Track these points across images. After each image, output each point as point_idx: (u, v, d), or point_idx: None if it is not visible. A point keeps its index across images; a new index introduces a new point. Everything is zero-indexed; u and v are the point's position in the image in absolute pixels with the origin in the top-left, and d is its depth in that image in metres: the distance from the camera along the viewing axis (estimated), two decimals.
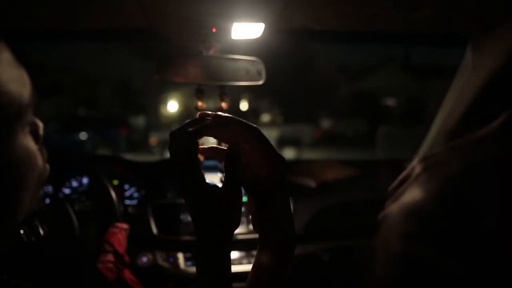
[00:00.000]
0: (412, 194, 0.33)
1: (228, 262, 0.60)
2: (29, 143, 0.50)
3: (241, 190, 0.59)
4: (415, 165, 0.37)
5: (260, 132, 0.59)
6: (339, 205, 1.78)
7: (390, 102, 19.32)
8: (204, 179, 0.56)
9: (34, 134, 0.52)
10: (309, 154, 13.04)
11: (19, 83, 0.46)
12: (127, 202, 1.79)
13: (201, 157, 0.60)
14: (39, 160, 0.52)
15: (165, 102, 18.26)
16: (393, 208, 0.34)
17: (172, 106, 18.06)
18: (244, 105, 18.23)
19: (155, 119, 18.39)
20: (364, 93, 19.54)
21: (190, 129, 0.55)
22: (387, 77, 19.46)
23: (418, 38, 1.55)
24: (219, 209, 0.55)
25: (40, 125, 0.54)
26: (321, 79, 18.77)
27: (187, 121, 0.58)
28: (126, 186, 1.84)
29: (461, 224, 0.27)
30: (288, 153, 12.22)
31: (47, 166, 0.55)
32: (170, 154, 0.56)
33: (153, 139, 13.47)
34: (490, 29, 1.26)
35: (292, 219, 0.62)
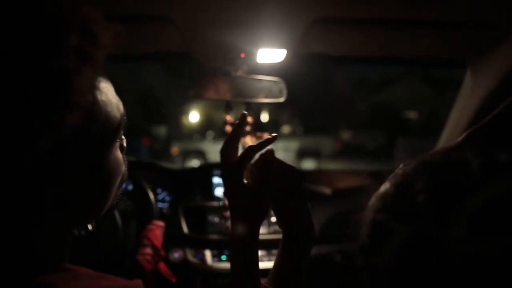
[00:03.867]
0: (385, 185, 0.51)
1: (257, 244, 0.73)
2: (119, 154, 0.63)
3: (268, 188, 0.73)
4: (399, 168, 0.55)
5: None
6: (352, 211, 1.93)
7: (411, 114, 19.17)
8: (242, 180, 0.71)
9: (121, 146, 0.65)
10: (328, 165, 13.01)
11: (118, 108, 0.58)
12: (160, 205, 1.98)
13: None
14: (123, 166, 0.65)
15: (186, 113, 18.43)
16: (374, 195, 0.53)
17: (193, 116, 18.25)
18: (264, 117, 18.34)
19: (177, 129, 18.49)
20: (384, 105, 19.41)
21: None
22: (407, 89, 19.28)
23: (424, 61, 1.71)
24: (252, 202, 0.71)
25: (124, 138, 0.68)
26: (341, 91, 18.77)
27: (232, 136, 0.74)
28: (159, 190, 2.03)
29: (405, 200, 0.45)
30: (308, 164, 12.22)
31: (127, 170, 0.68)
32: (221, 159, 0.72)
33: (175, 149, 13.46)
34: (485, 55, 1.42)
35: (311, 219, 0.77)
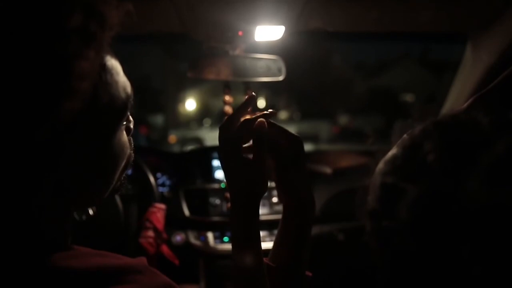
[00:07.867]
0: (393, 150, 0.51)
1: (257, 219, 0.70)
2: (124, 137, 0.60)
3: (265, 163, 0.70)
4: (406, 135, 0.55)
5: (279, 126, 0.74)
6: (353, 190, 1.93)
7: (408, 97, 19.13)
8: (240, 153, 0.68)
9: (127, 128, 0.64)
10: (326, 149, 13.07)
11: (125, 88, 0.56)
12: (160, 189, 1.97)
13: None
14: (128, 150, 0.63)
15: (183, 101, 18.32)
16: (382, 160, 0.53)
17: (190, 104, 18.15)
18: (261, 103, 18.21)
19: (174, 118, 18.39)
20: (382, 89, 19.36)
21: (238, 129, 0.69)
22: (404, 72, 19.20)
23: (423, 36, 1.69)
24: (249, 174, 0.69)
25: (132, 120, 0.66)
26: (338, 75, 18.71)
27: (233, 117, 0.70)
28: (159, 175, 2.02)
29: (415, 160, 0.45)
30: (306, 148, 12.24)
31: (133, 153, 0.66)
32: (220, 134, 0.69)
33: (172, 137, 13.44)
34: (485, 28, 1.41)
35: (310, 190, 0.75)
